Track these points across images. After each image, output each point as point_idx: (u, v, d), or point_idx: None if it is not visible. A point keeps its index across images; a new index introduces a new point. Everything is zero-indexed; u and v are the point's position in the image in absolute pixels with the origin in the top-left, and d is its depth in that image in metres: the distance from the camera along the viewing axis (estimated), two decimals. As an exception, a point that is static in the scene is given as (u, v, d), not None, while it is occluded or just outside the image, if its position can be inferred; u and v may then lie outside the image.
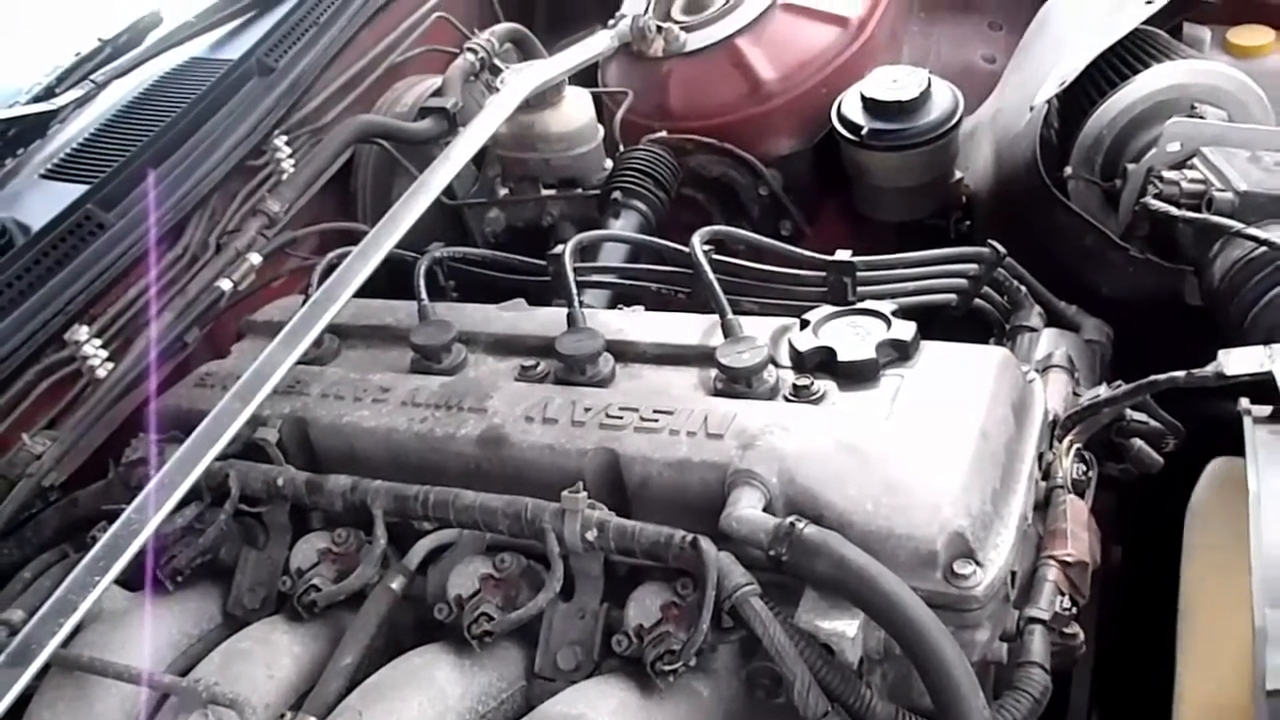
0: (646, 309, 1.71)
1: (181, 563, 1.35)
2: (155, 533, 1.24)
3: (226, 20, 2.16)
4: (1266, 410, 1.23)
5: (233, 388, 1.36)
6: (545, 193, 2.28)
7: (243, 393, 1.35)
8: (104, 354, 1.70)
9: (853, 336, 1.37)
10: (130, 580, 1.37)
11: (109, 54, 2.15)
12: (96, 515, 1.44)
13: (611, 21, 2.33)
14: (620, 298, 1.83)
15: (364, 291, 1.55)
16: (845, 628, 1.08)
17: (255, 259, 1.82)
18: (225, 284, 1.78)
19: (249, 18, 2.16)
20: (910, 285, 1.65)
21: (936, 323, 1.62)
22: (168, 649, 1.32)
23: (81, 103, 2.07)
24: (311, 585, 1.29)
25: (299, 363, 1.46)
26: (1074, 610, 1.24)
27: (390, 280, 1.70)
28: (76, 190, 1.77)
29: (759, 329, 1.42)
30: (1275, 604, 0.99)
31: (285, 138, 2.01)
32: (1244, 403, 1.24)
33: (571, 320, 1.49)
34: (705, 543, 1.12)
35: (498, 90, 2.02)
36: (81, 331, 1.67)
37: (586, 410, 1.33)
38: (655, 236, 1.90)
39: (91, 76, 2.08)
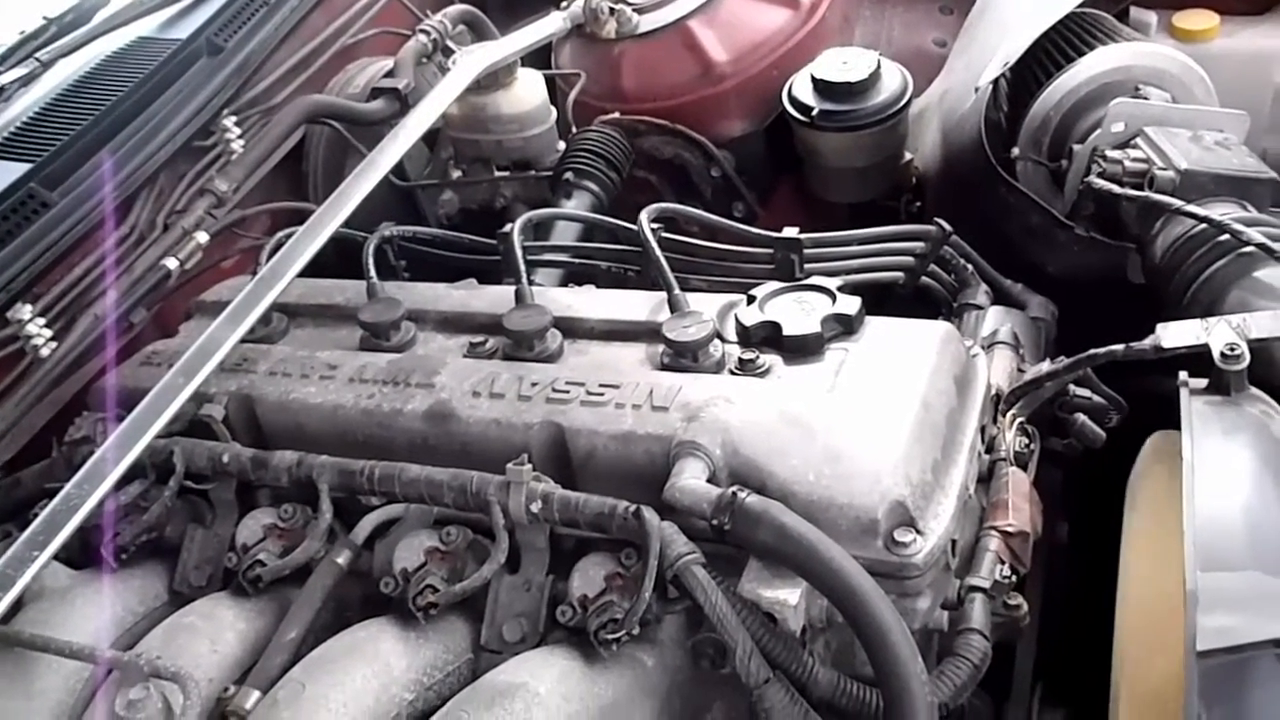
0: (598, 288, 1.71)
1: (126, 540, 1.34)
2: (99, 509, 1.23)
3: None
4: (1203, 382, 1.25)
5: (176, 364, 1.35)
6: (498, 174, 2.28)
7: (186, 369, 1.34)
8: (48, 333, 1.68)
9: (798, 311, 1.38)
10: (75, 558, 1.37)
11: (54, 33, 2.12)
12: (39, 494, 1.42)
13: (564, 3, 2.32)
14: (572, 277, 1.83)
15: (315, 271, 1.54)
16: (788, 596, 1.09)
17: (202, 237, 1.80)
18: (171, 263, 1.76)
19: (198, -3, 2.14)
20: (857, 263, 1.67)
21: (887, 301, 1.64)
22: (112, 626, 1.31)
23: (26, 81, 2.03)
24: (256, 560, 1.29)
25: (247, 341, 1.46)
26: (1014, 579, 1.26)
27: (341, 260, 1.70)
28: (20, 169, 1.74)
29: (706, 305, 1.43)
30: (1206, 568, 1.01)
31: (234, 118, 1.99)
32: (1182, 375, 1.26)
33: (519, 296, 1.49)
34: (648, 512, 1.13)
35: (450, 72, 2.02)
36: (25, 310, 1.66)
37: (533, 385, 1.33)
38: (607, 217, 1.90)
39: (36, 55, 2.04)
